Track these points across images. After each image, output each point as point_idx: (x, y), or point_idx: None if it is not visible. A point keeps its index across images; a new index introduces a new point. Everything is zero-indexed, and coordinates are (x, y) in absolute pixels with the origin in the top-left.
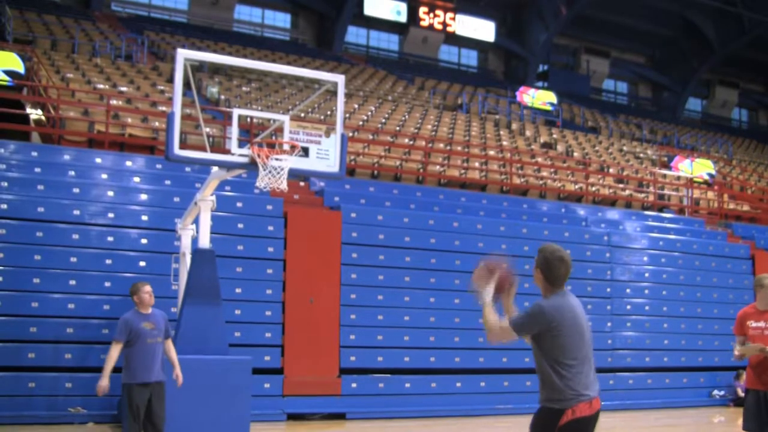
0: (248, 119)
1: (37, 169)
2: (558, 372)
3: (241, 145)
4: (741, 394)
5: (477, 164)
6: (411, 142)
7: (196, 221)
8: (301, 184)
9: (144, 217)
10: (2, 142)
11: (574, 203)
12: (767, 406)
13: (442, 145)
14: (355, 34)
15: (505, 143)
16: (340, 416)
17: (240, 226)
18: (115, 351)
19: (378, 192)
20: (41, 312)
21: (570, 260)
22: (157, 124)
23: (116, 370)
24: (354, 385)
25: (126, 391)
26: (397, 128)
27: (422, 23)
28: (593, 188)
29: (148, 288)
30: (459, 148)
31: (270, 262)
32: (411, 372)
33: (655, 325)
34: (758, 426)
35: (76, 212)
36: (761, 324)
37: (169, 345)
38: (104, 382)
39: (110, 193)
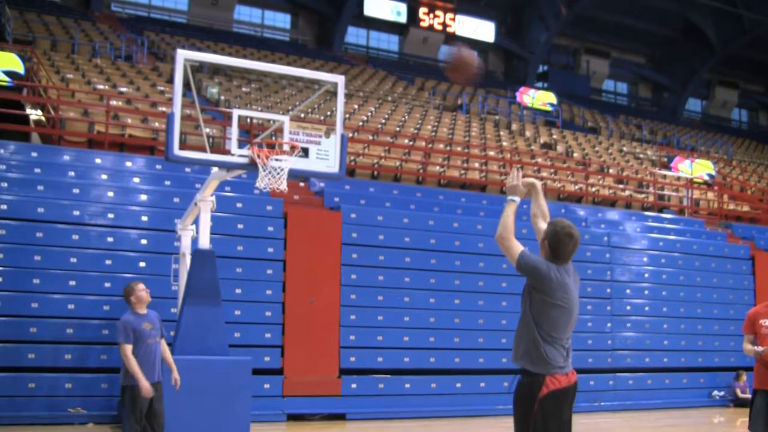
0: (248, 120)
1: (37, 170)
2: (541, 341)
3: (241, 145)
4: (741, 394)
5: (477, 165)
6: (411, 143)
7: (196, 222)
8: (301, 184)
9: (144, 218)
10: (2, 143)
11: (574, 204)
12: None
13: (442, 146)
14: (355, 35)
15: (505, 144)
16: (340, 417)
17: (240, 226)
18: (129, 353)
19: (378, 192)
20: (41, 312)
21: (579, 238)
22: (157, 124)
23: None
24: (354, 385)
25: (129, 392)
26: (397, 129)
27: (422, 24)
28: (593, 189)
29: (142, 285)
30: (459, 149)
31: (270, 262)
32: (411, 372)
33: (655, 326)
34: (766, 428)
35: (76, 213)
36: None
37: (165, 346)
38: (147, 384)
39: (110, 194)
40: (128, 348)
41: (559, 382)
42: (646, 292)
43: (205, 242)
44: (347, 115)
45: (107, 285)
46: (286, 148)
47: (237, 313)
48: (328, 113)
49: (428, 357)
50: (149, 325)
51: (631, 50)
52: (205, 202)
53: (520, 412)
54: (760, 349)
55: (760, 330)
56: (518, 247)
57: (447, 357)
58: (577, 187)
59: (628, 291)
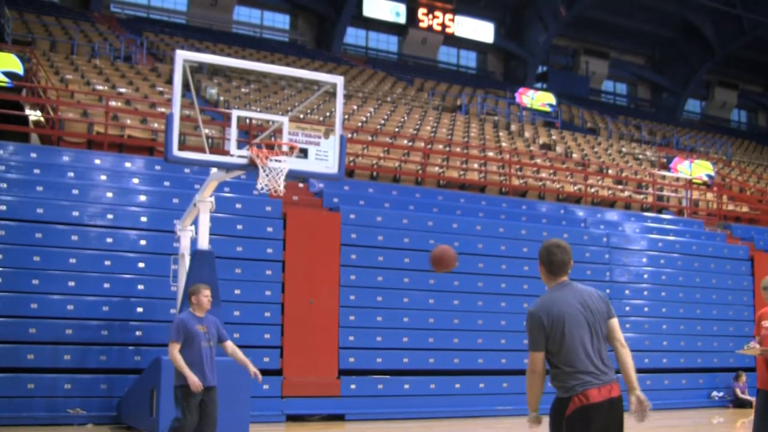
0: (247, 120)
1: (36, 171)
2: (560, 361)
3: (240, 146)
4: (740, 395)
5: (476, 165)
6: (410, 144)
7: (195, 222)
8: (300, 185)
9: (143, 219)
10: (1, 144)
11: (573, 204)
12: None
13: (441, 147)
14: (354, 36)
15: (504, 144)
16: (339, 417)
17: (239, 227)
18: (176, 351)
19: (377, 193)
20: (40, 313)
21: (569, 249)
22: (156, 125)
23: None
24: (353, 386)
25: (180, 392)
26: (396, 129)
27: (421, 24)
28: (592, 189)
29: (208, 292)
30: (458, 150)
31: (269, 263)
32: (410, 373)
33: (654, 327)
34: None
35: (75, 213)
36: None
37: (234, 347)
38: (195, 378)
39: (109, 195)
40: (176, 346)
41: (589, 398)
42: (646, 292)
43: (204, 243)
44: (346, 116)
45: (106, 286)
46: (285, 148)
47: (236, 313)
48: (327, 114)
49: (427, 358)
50: (204, 328)
51: (631, 51)
52: (205, 202)
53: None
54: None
55: (761, 331)
56: (537, 357)
57: (446, 358)
58: (576, 188)
59: (627, 292)
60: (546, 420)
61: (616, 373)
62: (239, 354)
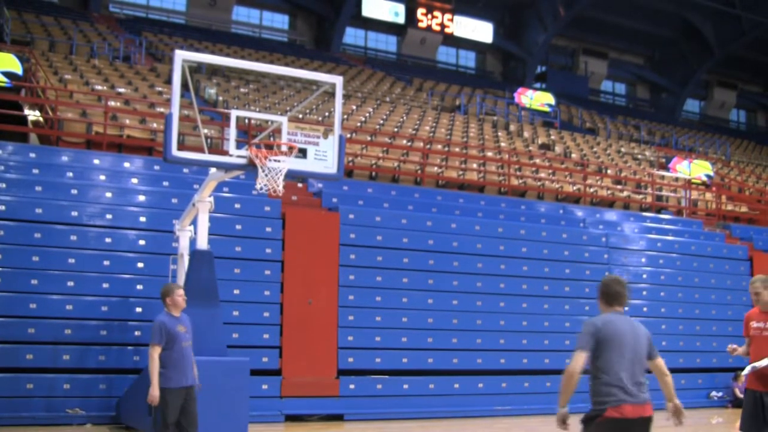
0: (246, 120)
1: (35, 171)
2: (598, 377)
3: (239, 146)
4: (739, 395)
5: (475, 165)
6: (409, 144)
7: (194, 222)
8: (299, 185)
9: (142, 219)
10: (0, 144)
11: (572, 204)
12: (764, 407)
13: (440, 147)
14: (353, 36)
15: (503, 144)
16: (338, 417)
17: (238, 227)
18: (157, 355)
19: (376, 193)
20: (39, 313)
21: (626, 283)
22: (155, 125)
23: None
24: (352, 386)
25: (161, 395)
26: (395, 129)
27: (420, 24)
28: (591, 189)
29: (181, 291)
30: (457, 150)
31: (268, 263)
32: (409, 373)
33: (653, 327)
34: (755, 427)
35: (74, 213)
36: (760, 324)
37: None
38: (156, 392)
39: (108, 195)
40: (158, 350)
41: (620, 412)
42: (645, 292)
43: (203, 243)
44: (345, 116)
45: (105, 286)
46: (284, 148)
47: (235, 313)
48: (326, 114)
49: (426, 358)
50: (183, 328)
51: (630, 51)
52: (204, 202)
53: None
54: (763, 363)
55: (750, 331)
56: (580, 356)
57: (445, 358)
58: (575, 188)
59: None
60: (573, 420)
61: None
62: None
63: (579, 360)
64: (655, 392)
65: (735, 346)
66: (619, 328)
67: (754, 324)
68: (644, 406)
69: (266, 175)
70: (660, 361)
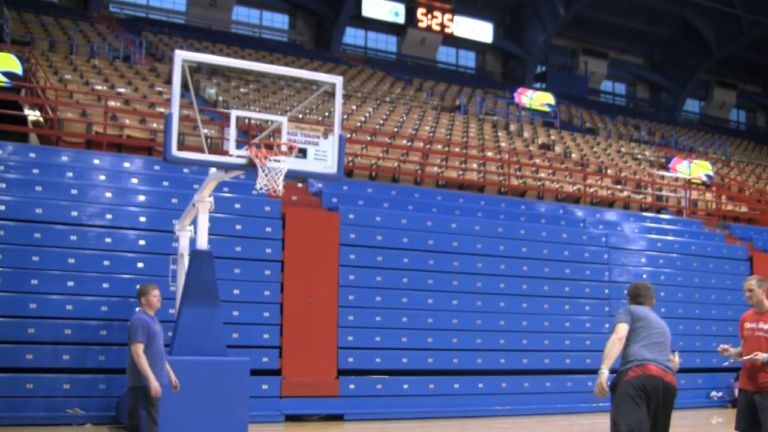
0: (246, 120)
1: (35, 171)
2: (628, 345)
3: (239, 146)
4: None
5: (475, 165)
6: (409, 144)
7: (194, 222)
8: (299, 185)
9: (142, 219)
10: (0, 144)
11: (572, 204)
12: (755, 406)
13: (440, 147)
14: (353, 35)
15: (503, 144)
16: (338, 417)
17: (238, 227)
18: (142, 352)
19: (376, 193)
20: (39, 313)
21: (650, 286)
22: (155, 125)
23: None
24: (352, 386)
25: (142, 392)
26: (395, 129)
27: (420, 24)
28: (591, 189)
29: (157, 292)
30: (457, 150)
31: (268, 263)
32: (409, 373)
33: None
34: (748, 426)
35: (74, 213)
36: (753, 325)
37: None
38: (156, 383)
39: (108, 195)
40: (141, 347)
41: (646, 370)
42: None
43: (203, 243)
44: (345, 116)
45: (105, 286)
46: (284, 148)
47: (235, 313)
48: (326, 114)
49: (426, 357)
50: (159, 327)
51: (630, 51)
52: (203, 202)
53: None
54: (761, 356)
55: (744, 332)
56: (621, 326)
57: (445, 357)
58: (575, 188)
59: (626, 292)
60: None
61: None
62: None
63: (621, 329)
64: None
65: (727, 346)
66: (648, 314)
67: (747, 325)
68: (668, 373)
69: (266, 175)
70: (675, 358)
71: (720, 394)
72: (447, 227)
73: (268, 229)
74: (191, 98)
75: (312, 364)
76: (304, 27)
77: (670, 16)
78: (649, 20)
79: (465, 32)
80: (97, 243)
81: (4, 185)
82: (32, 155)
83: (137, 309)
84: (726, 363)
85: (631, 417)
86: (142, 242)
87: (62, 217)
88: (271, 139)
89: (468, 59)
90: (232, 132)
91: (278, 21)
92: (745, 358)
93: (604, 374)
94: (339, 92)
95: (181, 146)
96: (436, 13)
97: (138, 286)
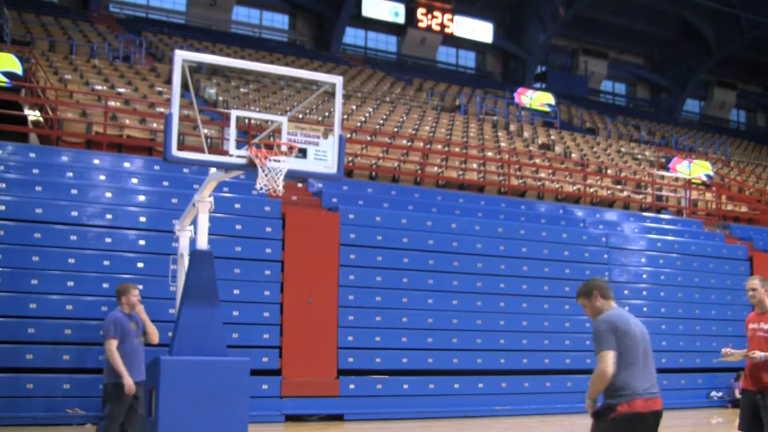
0: (246, 120)
1: (35, 171)
2: (617, 368)
3: (239, 146)
4: (738, 395)
5: (475, 165)
6: (409, 144)
7: (194, 222)
8: (299, 185)
9: (142, 219)
10: (0, 144)
11: (572, 204)
12: (758, 406)
13: (440, 147)
14: (353, 36)
15: (503, 144)
16: (338, 417)
17: (238, 227)
18: (115, 348)
19: (376, 193)
20: (39, 313)
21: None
22: (155, 125)
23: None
24: (352, 386)
25: (113, 390)
26: (395, 129)
27: (420, 24)
28: (591, 189)
29: (136, 292)
30: (457, 150)
31: (268, 263)
32: (409, 373)
33: (653, 327)
34: (750, 426)
35: (74, 213)
36: (755, 326)
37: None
38: (130, 381)
39: (108, 195)
40: (114, 343)
41: (634, 407)
42: (644, 293)
43: (203, 243)
44: (345, 116)
45: (105, 286)
46: (284, 148)
47: (235, 313)
48: (326, 114)
49: (426, 358)
50: (135, 325)
51: (630, 51)
52: (203, 202)
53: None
54: (759, 354)
55: (748, 333)
56: (594, 376)
57: (445, 358)
58: (575, 188)
59: (626, 292)
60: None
61: None
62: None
63: (610, 360)
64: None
65: (730, 350)
66: (628, 322)
67: (750, 325)
68: (655, 400)
69: (266, 175)
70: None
71: (720, 394)
72: (447, 227)
73: (268, 229)
74: (191, 98)
75: (312, 364)
76: (304, 27)
77: (670, 16)
78: (649, 20)
79: (465, 32)
80: (97, 243)
81: (4, 185)
82: (32, 155)
83: (118, 308)
84: (715, 360)
85: None
86: (142, 242)
87: (62, 217)
88: (271, 139)
89: (468, 59)
90: (232, 132)
91: (278, 21)
92: (744, 356)
93: (592, 405)
94: (339, 92)
95: (181, 146)
96: (436, 13)
97: (118, 285)
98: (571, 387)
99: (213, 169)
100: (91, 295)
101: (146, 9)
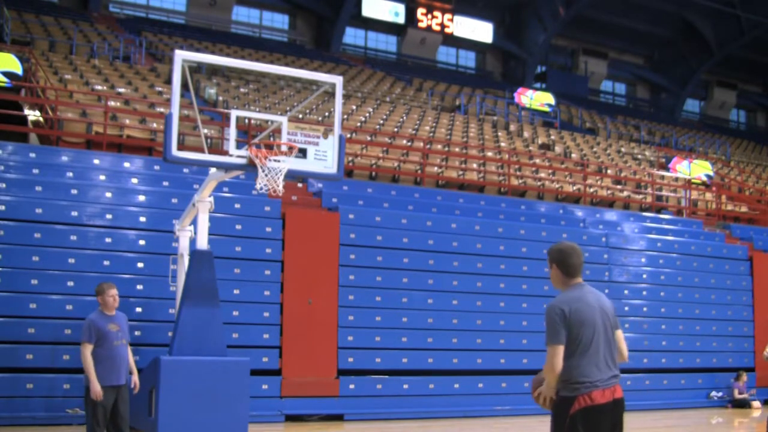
0: (246, 120)
1: (35, 171)
2: (568, 361)
3: (239, 146)
4: (738, 395)
5: (475, 165)
6: (409, 144)
7: (194, 222)
8: (299, 185)
9: (142, 219)
10: (0, 144)
11: (572, 204)
12: None
13: (440, 147)
14: (353, 35)
15: (503, 144)
16: (338, 417)
17: (238, 227)
18: (88, 353)
19: (376, 193)
20: (39, 313)
21: (581, 252)
22: (155, 125)
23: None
24: (352, 386)
25: (86, 393)
26: (395, 129)
27: (420, 24)
28: (591, 189)
29: (114, 291)
30: (457, 150)
31: (268, 263)
32: (409, 373)
33: (653, 327)
34: None
35: (74, 213)
36: None
37: (129, 350)
38: (98, 387)
39: (108, 195)
40: (89, 348)
41: (593, 399)
42: (644, 292)
43: (203, 243)
44: (345, 116)
45: None
46: (284, 148)
47: (235, 313)
48: (326, 114)
49: (426, 358)
50: (115, 326)
51: (630, 51)
52: (203, 202)
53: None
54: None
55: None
56: (546, 368)
57: (445, 358)
58: (575, 188)
59: (626, 292)
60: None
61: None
62: (131, 358)
63: (557, 356)
64: (653, 393)
65: None
66: (586, 307)
67: None
68: (614, 389)
69: (266, 175)
70: (619, 334)
71: (720, 394)
72: (447, 227)
73: (268, 229)
74: (191, 98)
75: (312, 364)
76: (304, 27)
77: (670, 16)
78: (649, 20)
79: (465, 32)
80: (97, 243)
81: (4, 185)
82: (32, 155)
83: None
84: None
85: None
86: (142, 242)
87: (62, 217)
88: (271, 139)
89: (468, 59)
90: (232, 132)
91: (278, 21)
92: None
93: (550, 401)
94: (339, 92)
95: (181, 146)
96: (436, 13)
97: (96, 285)
98: None
99: (213, 169)
100: (91, 295)
101: (146, 9)
